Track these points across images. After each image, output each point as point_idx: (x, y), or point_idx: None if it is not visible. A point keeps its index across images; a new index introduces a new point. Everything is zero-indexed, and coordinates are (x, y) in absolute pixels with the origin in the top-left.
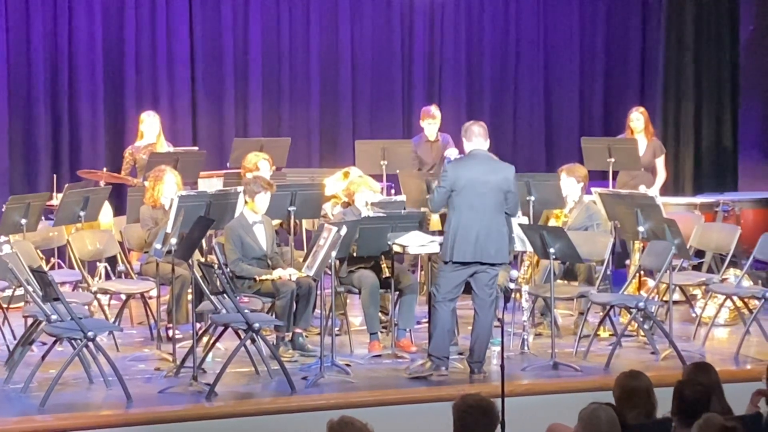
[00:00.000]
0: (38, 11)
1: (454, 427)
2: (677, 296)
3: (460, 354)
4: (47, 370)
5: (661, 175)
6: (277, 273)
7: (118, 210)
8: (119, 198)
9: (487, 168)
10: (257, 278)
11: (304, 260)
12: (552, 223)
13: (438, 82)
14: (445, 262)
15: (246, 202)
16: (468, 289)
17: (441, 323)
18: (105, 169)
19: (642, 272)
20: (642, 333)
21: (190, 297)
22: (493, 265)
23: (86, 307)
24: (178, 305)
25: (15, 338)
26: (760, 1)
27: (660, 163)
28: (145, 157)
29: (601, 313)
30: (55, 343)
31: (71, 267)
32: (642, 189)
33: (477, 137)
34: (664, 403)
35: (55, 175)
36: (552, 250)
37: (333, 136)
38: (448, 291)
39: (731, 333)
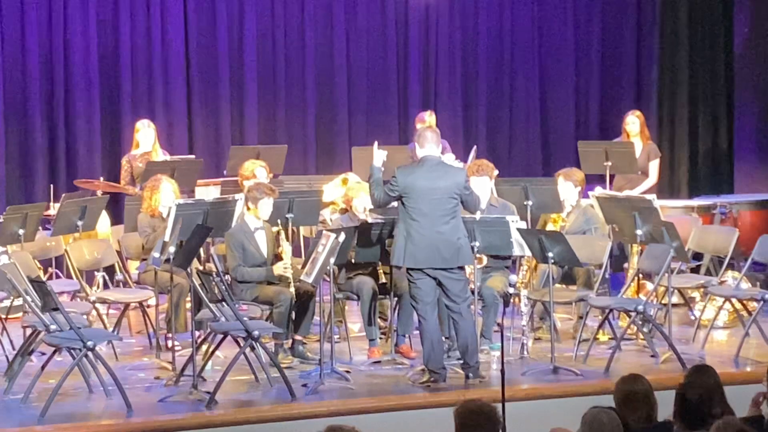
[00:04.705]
0: (33, 20)
1: None
2: (676, 299)
3: (459, 359)
4: (47, 380)
5: (652, 178)
6: (278, 269)
7: (116, 219)
8: (116, 207)
9: (437, 174)
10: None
11: (303, 267)
12: (550, 227)
13: (433, 88)
14: (408, 271)
15: (248, 208)
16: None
17: (429, 335)
18: (102, 179)
19: (640, 275)
20: (641, 336)
21: (188, 305)
22: (452, 270)
23: (85, 316)
24: (176, 314)
25: (14, 348)
26: (754, 4)
27: (653, 166)
28: (141, 166)
29: (600, 317)
30: (54, 353)
31: (69, 277)
32: (625, 192)
33: (430, 143)
34: (664, 406)
35: (52, 185)
36: (550, 254)
37: (329, 143)
38: (425, 297)
39: (730, 335)
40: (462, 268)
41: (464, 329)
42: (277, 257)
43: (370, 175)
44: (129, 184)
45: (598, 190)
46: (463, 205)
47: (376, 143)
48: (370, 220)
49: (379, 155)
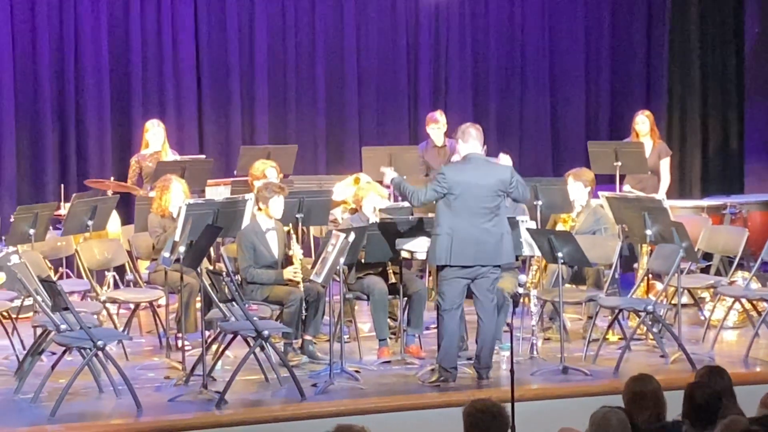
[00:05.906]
0: (44, 21)
1: None
2: (685, 299)
3: (469, 359)
4: (57, 379)
5: (665, 179)
6: (287, 274)
7: (126, 219)
8: (127, 207)
9: (483, 171)
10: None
11: (313, 267)
12: (559, 227)
13: (444, 88)
14: (442, 267)
15: (259, 208)
16: (470, 294)
17: (449, 333)
18: (112, 179)
19: (650, 275)
20: (651, 336)
21: (198, 305)
22: (494, 267)
23: (95, 316)
24: (186, 313)
25: (24, 348)
26: (765, 3)
27: (665, 165)
28: (151, 165)
29: (610, 317)
30: (64, 352)
31: (79, 276)
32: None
33: (473, 140)
34: (673, 406)
35: (62, 185)
36: (560, 255)
37: (339, 143)
38: (453, 298)
39: (740, 335)
40: (499, 265)
41: (487, 327)
42: (288, 259)
43: (396, 187)
44: (135, 184)
45: (627, 189)
46: (514, 200)
47: (381, 168)
48: (379, 221)
49: (388, 171)
